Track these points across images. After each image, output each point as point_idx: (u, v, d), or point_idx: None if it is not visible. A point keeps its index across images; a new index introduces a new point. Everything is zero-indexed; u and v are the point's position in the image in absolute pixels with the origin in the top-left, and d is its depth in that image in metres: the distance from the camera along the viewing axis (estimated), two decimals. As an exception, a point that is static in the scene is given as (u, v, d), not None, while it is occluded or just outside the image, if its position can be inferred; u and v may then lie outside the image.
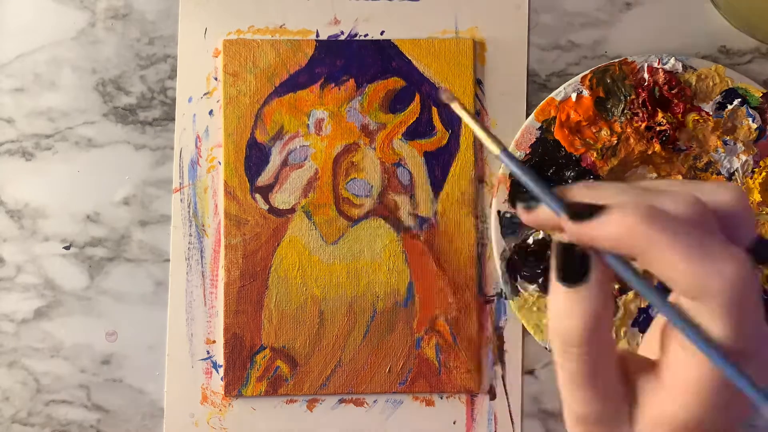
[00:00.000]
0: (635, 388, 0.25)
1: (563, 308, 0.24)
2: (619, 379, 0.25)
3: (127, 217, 0.48)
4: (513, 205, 0.24)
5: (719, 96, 0.47)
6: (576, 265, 0.23)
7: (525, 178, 0.25)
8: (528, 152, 0.47)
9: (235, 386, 0.47)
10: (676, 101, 0.46)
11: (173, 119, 0.48)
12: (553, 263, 0.24)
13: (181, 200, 0.48)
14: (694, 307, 0.22)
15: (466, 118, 0.27)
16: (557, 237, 0.24)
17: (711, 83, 0.47)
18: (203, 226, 0.48)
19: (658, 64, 0.47)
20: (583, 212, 0.23)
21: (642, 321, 0.46)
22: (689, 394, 0.23)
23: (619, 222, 0.22)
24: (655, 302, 0.23)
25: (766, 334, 0.23)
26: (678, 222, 0.22)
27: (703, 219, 0.23)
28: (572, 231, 0.23)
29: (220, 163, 0.48)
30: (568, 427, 0.26)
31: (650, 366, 0.25)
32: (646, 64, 0.47)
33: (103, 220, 0.48)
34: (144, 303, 0.48)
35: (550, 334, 0.25)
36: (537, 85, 0.48)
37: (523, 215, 0.25)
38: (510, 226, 0.46)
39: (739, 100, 0.46)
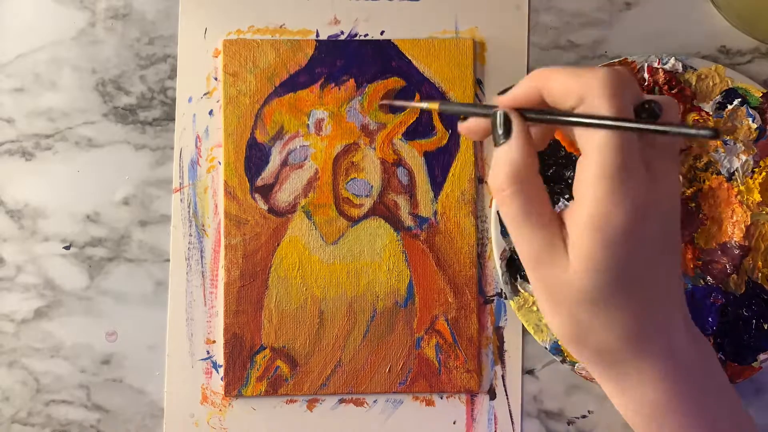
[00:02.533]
0: (566, 226, 0.31)
1: (494, 162, 0.32)
2: (554, 217, 0.31)
3: (127, 217, 0.48)
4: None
5: (719, 96, 0.47)
6: (502, 125, 0.32)
7: (466, 108, 0.36)
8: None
9: (235, 386, 0.47)
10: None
11: (173, 119, 0.48)
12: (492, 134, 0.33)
13: (181, 200, 0.48)
14: (586, 108, 0.30)
15: (406, 104, 0.46)
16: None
17: (711, 83, 0.47)
18: (203, 226, 0.48)
19: (658, 64, 0.47)
20: (503, 90, 0.33)
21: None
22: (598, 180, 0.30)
23: (523, 83, 0.32)
24: (564, 121, 0.31)
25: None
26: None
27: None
28: (500, 101, 0.33)
29: (220, 163, 0.48)
30: (528, 274, 0.33)
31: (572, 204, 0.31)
32: (646, 64, 0.47)
33: (103, 220, 0.48)
34: (144, 303, 0.48)
35: (491, 190, 0.32)
36: (537, 85, 0.48)
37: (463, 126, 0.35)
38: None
39: (739, 100, 0.46)
